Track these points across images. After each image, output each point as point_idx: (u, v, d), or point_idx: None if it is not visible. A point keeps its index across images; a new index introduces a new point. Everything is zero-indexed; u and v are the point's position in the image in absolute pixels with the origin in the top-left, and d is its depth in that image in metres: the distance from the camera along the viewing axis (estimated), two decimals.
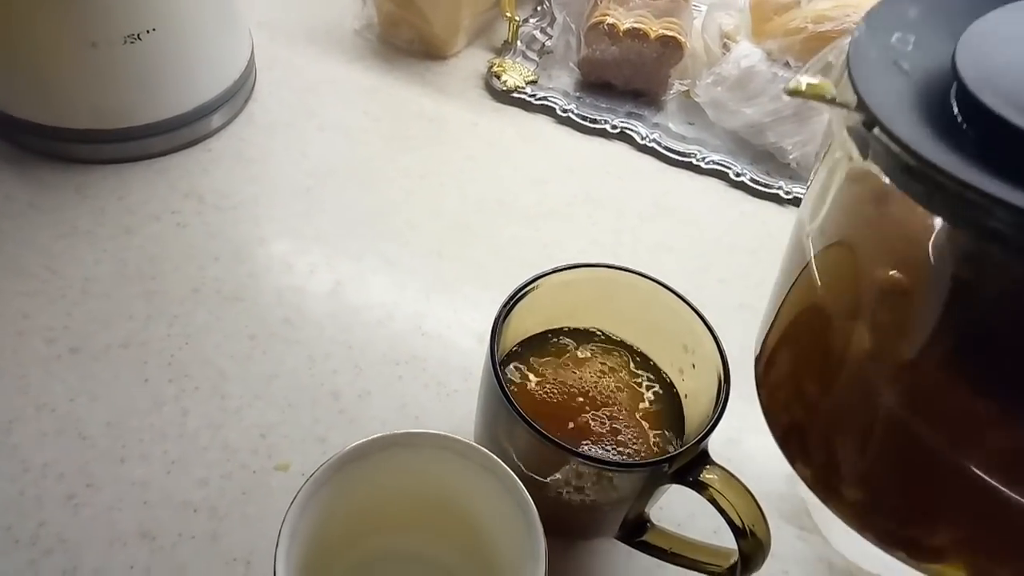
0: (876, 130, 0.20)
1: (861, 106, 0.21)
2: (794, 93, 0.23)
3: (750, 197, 0.55)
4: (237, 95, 0.51)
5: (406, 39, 0.60)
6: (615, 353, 0.35)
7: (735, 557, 0.28)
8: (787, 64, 0.56)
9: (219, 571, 0.33)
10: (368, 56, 0.59)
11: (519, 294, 0.32)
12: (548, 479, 0.30)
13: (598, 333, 0.36)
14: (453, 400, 0.40)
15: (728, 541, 0.30)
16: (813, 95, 0.22)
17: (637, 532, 0.33)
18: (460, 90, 0.58)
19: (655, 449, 0.32)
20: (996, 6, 0.22)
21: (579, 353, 0.35)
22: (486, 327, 0.43)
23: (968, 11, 0.22)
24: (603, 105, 0.59)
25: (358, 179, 0.50)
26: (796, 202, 0.55)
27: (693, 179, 0.56)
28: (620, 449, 0.32)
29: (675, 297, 0.32)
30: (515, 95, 0.58)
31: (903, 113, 0.20)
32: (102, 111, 0.45)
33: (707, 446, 0.28)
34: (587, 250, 0.49)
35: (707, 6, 0.62)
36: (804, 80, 0.23)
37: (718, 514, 0.28)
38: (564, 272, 0.32)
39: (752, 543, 0.27)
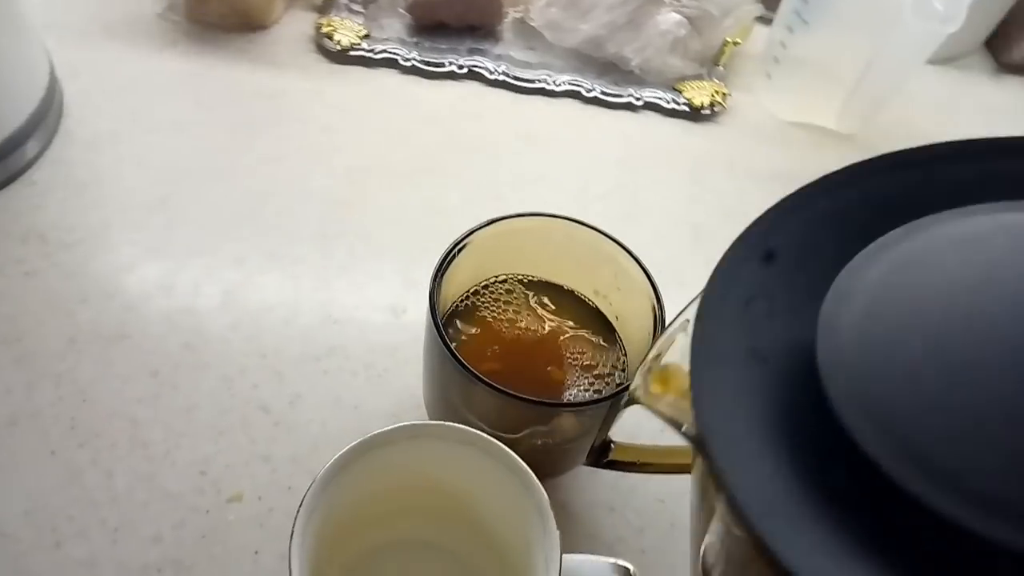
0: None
1: (699, 443, 0.16)
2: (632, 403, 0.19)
3: (606, 110, 0.57)
4: (47, 115, 0.46)
5: (218, 14, 0.55)
6: (544, 294, 0.35)
7: None
8: None
9: None
10: (180, 40, 0.54)
11: (448, 258, 0.31)
12: (518, 434, 0.30)
13: (523, 279, 0.36)
14: (386, 380, 0.39)
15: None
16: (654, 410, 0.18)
17: (603, 455, 0.34)
18: (292, 59, 0.55)
19: (605, 374, 0.33)
20: (873, 236, 0.17)
21: (509, 302, 0.35)
22: (394, 298, 0.42)
23: (852, 238, 0.17)
24: (443, 46, 0.58)
25: (213, 177, 0.46)
26: (648, 107, 0.57)
27: (549, 103, 0.56)
28: (574, 383, 0.33)
29: (590, 230, 0.33)
30: (352, 53, 0.55)
31: (751, 458, 0.15)
32: None
33: None
34: (470, 198, 0.49)
35: None
36: (641, 384, 0.18)
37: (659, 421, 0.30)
38: (489, 227, 0.32)
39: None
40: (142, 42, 0.53)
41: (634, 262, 0.32)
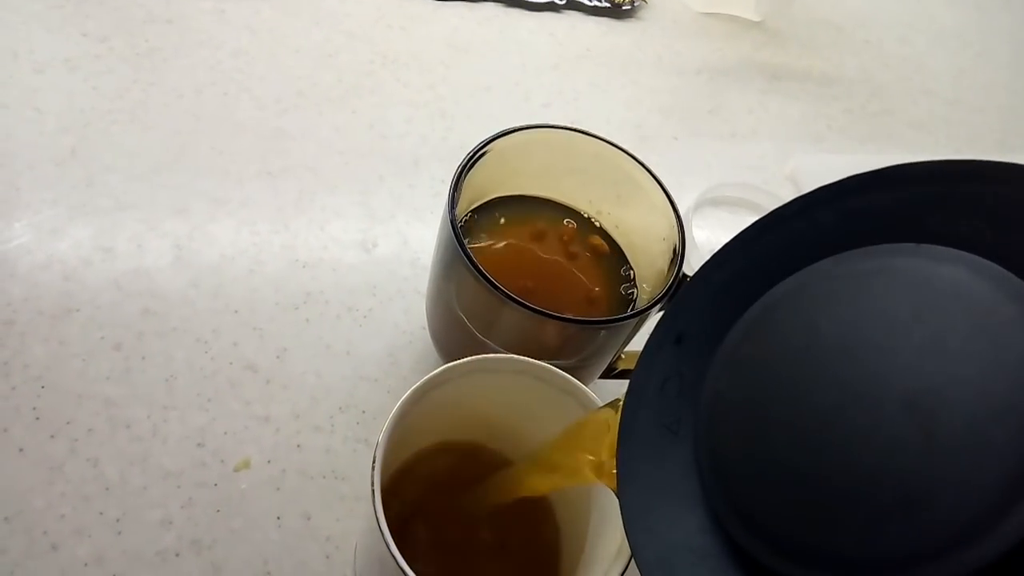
0: None
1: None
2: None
3: (529, 12, 0.55)
4: None
5: None
6: (541, 209, 0.34)
7: None
8: None
9: None
10: None
11: (460, 177, 0.29)
12: (547, 357, 0.30)
13: (518, 196, 0.34)
14: (372, 320, 0.37)
15: None
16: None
17: (612, 366, 0.34)
18: None
19: (618, 286, 0.33)
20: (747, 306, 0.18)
21: (508, 222, 0.34)
22: (360, 233, 0.40)
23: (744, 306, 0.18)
24: None
25: (124, 118, 0.41)
26: (571, 6, 0.55)
27: (470, 9, 0.53)
28: (580, 301, 0.32)
29: (588, 137, 0.32)
30: None
31: (656, 521, 0.18)
32: None
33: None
34: (413, 116, 0.46)
35: None
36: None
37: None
38: (496, 143, 0.30)
39: None
40: None
41: (642, 168, 0.32)
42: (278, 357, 0.35)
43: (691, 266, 0.43)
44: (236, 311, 0.36)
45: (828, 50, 0.61)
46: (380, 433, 0.23)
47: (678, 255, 0.30)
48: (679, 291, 0.22)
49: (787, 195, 0.48)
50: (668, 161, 0.49)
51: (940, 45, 0.66)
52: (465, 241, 0.28)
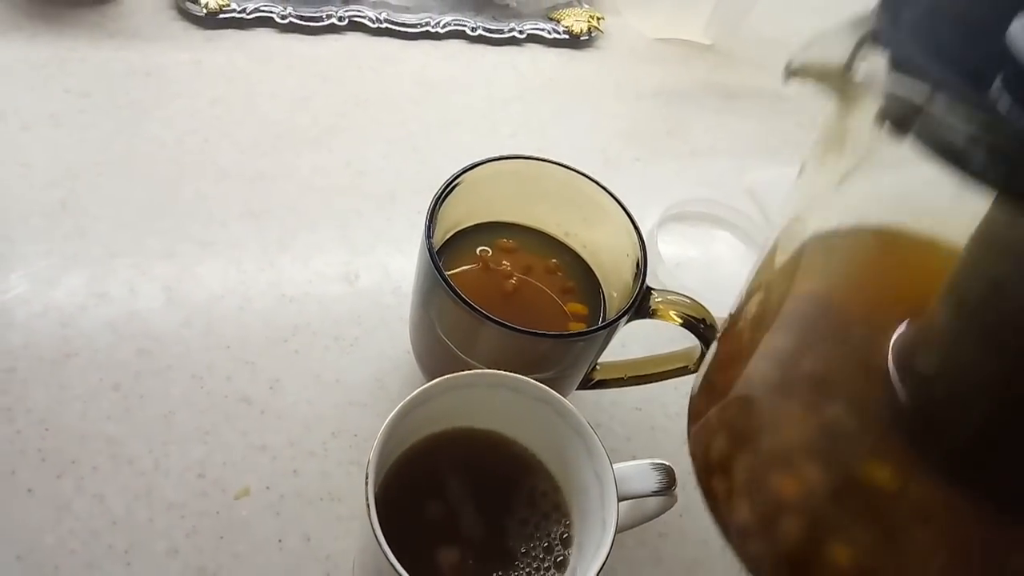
0: (926, 101, 0.18)
1: (904, 71, 0.18)
2: (798, 73, 0.21)
3: (492, 47, 0.57)
4: None
5: None
6: (513, 234, 0.37)
7: (698, 350, 0.33)
8: None
9: None
10: (22, 22, 0.48)
11: (436, 204, 0.31)
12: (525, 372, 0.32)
13: (492, 224, 0.37)
14: (358, 348, 0.39)
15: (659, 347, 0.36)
16: (820, 73, 0.21)
17: (589, 378, 0.37)
18: (157, 29, 0.50)
19: (577, 310, 0.35)
20: None
21: (481, 246, 0.36)
22: (343, 266, 0.42)
23: None
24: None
25: (109, 169, 0.43)
26: (531, 39, 0.58)
27: (436, 47, 0.56)
28: (553, 315, 0.35)
29: (547, 164, 0.34)
30: (222, 16, 0.52)
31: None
32: None
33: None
34: (388, 152, 0.48)
35: None
36: (806, 57, 0.21)
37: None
38: (470, 173, 0.33)
39: (709, 330, 0.32)
40: None
41: (599, 189, 0.34)
42: (271, 388, 0.37)
43: (657, 279, 0.45)
44: (228, 347, 0.38)
45: (778, 68, 0.65)
46: (370, 452, 0.24)
47: (641, 269, 0.32)
48: None
49: (747, 208, 0.51)
50: (632, 182, 0.51)
51: None
52: (443, 267, 0.30)
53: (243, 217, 0.43)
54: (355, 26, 0.54)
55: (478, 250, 0.36)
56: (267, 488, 0.34)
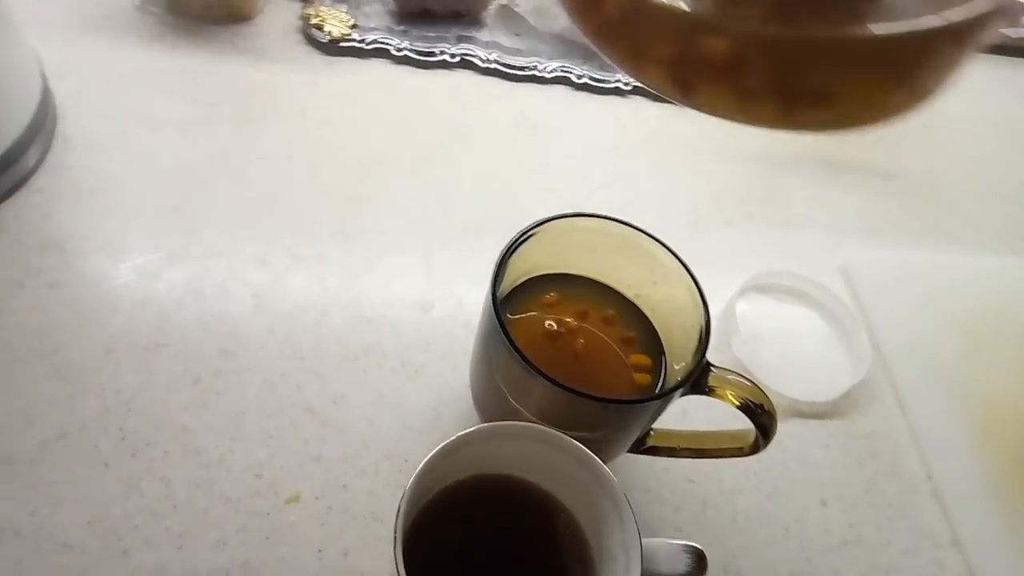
0: None
1: None
2: None
3: (596, 96, 0.58)
4: (44, 119, 0.45)
5: (200, 6, 0.54)
6: (584, 290, 0.37)
7: (753, 434, 0.33)
8: None
9: None
10: (166, 34, 0.53)
11: (505, 256, 0.32)
12: (576, 431, 0.32)
13: (563, 275, 0.37)
14: (423, 375, 0.41)
15: (721, 425, 0.35)
16: None
17: (642, 442, 0.36)
18: (282, 51, 0.54)
19: (643, 375, 0.35)
20: None
21: (551, 298, 0.37)
22: (421, 294, 0.44)
23: None
24: (431, 34, 0.58)
25: (223, 176, 0.46)
26: (636, 91, 0.59)
27: (541, 91, 0.57)
28: (616, 381, 0.35)
29: (624, 226, 0.35)
30: (343, 44, 0.55)
31: None
32: None
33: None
34: (479, 188, 0.50)
35: None
36: None
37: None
38: (545, 226, 0.33)
39: (766, 417, 0.32)
40: (126, 37, 0.52)
41: (672, 257, 0.34)
42: (335, 403, 0.39)
43: (730, 349, 0.45)
44: (303, 357, 0.40)
45: (891, 145, 0.63)
46: (407, 484, 0.25)
47: (703, 343, 0.32)
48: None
49: (837, 287, 0.50)
50: (719, 246, 0.51)
51: (1012, 144, 0.67)
52: (510, 312, 0.31)
53: (334, 235, 0.45)
54: (466, 64, 0.57)
55: (546, 298, 0.37)
56: (316, 498, 0.36)
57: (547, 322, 0.36)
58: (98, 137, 0.46)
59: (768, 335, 0.47)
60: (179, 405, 0.37)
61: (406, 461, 0.37)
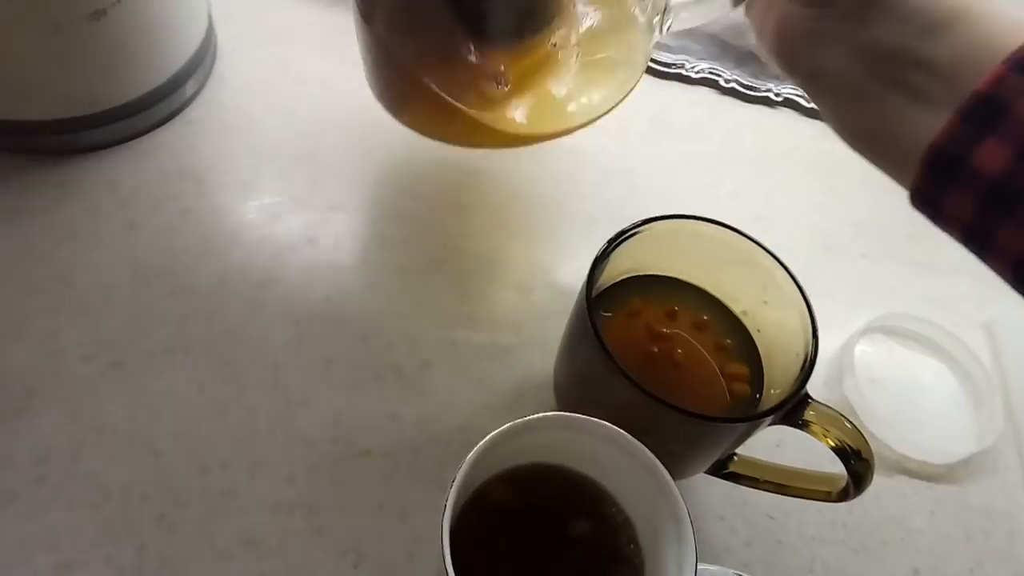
0: None
1: None
2: None
3: (742, 103, 0.56)
4: (205, 57, 0.47)
5: None
6: (687, 297, 0.36)
7: (844, 480, 0.30)
8: None
9: (332, 565, 0.33)
10: None
11: (606, 251, 0.32)
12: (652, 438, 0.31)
13: (668, 279, 0.36)
14: (510, 356, 0.40)
15: (817, 464, 0.33)
16: None
17: (724, 465, 0.34)
18: None
19: (740, 391, 0.33)
20: None
21: (652, 302, 0.35)
22: (524, 277, 0.43)
23: None
24: None
25: (356, 135, 0.48)
26: (787, 104, 0.56)
27: (685, 91, 0.55)
28: (705, 396, 0.33)
29: (743, 238, 0.33)
30: None
31: None
32: (73, 98, 0.41)
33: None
34: (601, 180, 0.49)
35: None
36: None
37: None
38: (654, 224, 0.32)
39: (862, 465, 0.29)
40: None
41: (789, 278, 0.32)
42: (420, 367, 0.39)
43: (841, 388, 0.42)
44: (399, 318, 0.40)
45: None
46: (468, 456, 0.25)
47: (805, 371, 0.30)
48: None
49: (976, 344, 0.45)
50: (849, 276, 0.48)
51: None
52: (605, 308, 0.30)
53: (448, 208, 0.45)
54: None
55: (645, 299, 0.35)
56: (386, 455, 0.36)
57: (641, 324, 0.35)
58: (248, 81, 0.49)
59: (886, 382, 0.43)
60: (277, 343, 0.39)
61: (479, 437, 0.37)
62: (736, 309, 0.36)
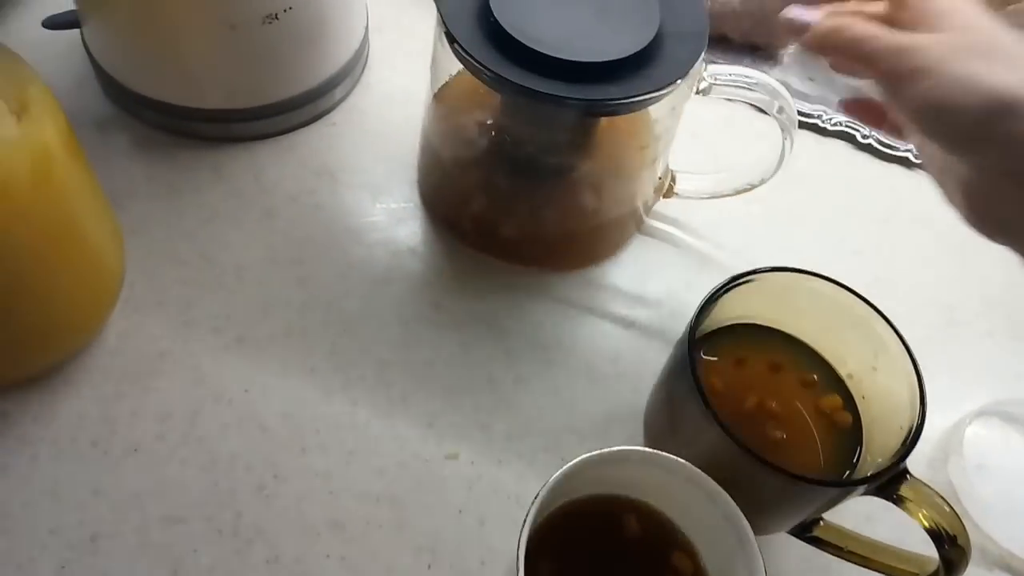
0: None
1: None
2: None
3: (877, 160, 0.54)
4: (356, 64, 0.51)
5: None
6: (792, 352, 0.35)
7: (935, 564, 0.29)
8: None
9: (408, 559, 0.35)
10: None
11: (718, 293, 0.32)
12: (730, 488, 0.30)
13: (775, 331, 0.36)
14: (604, 385, 0.41)
15: (909, 545, 0.31)
16: None
17: (808, 528, 0.34)
18: None
19: (832, 456, 0.32)
20: None
21: (756, 352, 0.35)
22: (626, 309, 0.43)
23: None
24: (719, 61, 0.57)
25: None
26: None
27: (819, 142, 0.54)
28: (799, 454, 0.32)
29: (860, 301, 0.32)
30: None
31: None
32: (237, 91, 0.45)
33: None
34: (719, 222, 0.48)
35: None
36: None
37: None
38: (763, 274, 0.32)
39: (956, 551, 0.28)
40: None
41: (903, 348, 0.31)
42: (515, 381, 0.40)
43: (946, 469, 0.40)
44: (500, 330, 0.42)
45: None
46: (552, 476, 0.26)
47: (907, 446, 0.29)
48: None
49: None
50: (969, 355, 0.45)
51: None
52: (706, 351, 0.30)
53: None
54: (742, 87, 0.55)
55: (750, 348, 0.35)
56: (472, 462, 0.37)
57: (742, 372, 0.35)
58: (392, 90, 0.51)
59: (997, 470, 0.41)
60: (385, 340, 0.41)
61: (562, 459, 0.37)
62: (842, 371, 0.35)
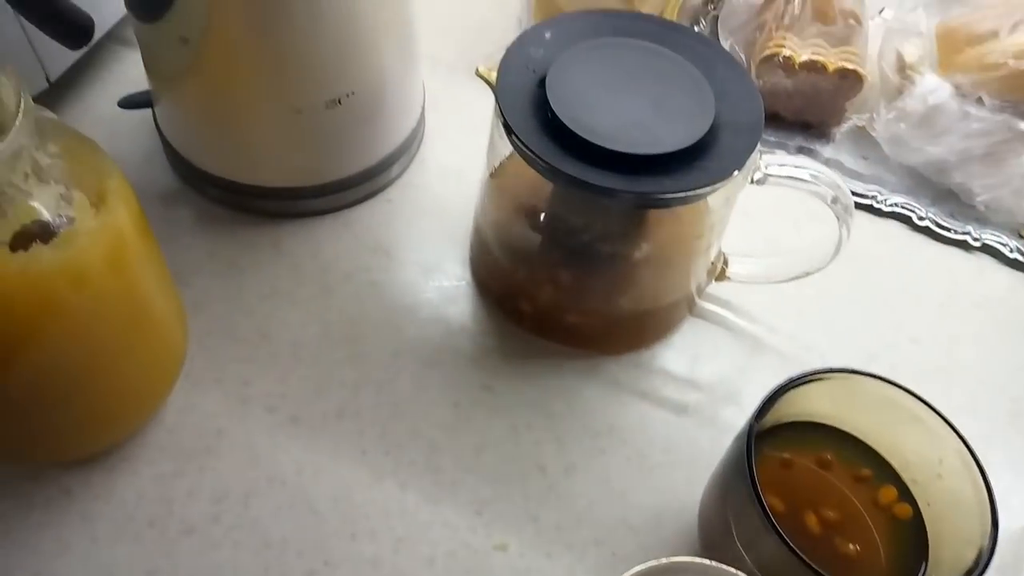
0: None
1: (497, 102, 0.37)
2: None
3: (934, 242, 0.53)
4: (413, 142, 0.52)
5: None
6: (854, 454, 0.34)
7: None
8: (980, 100, 0.53)
9: None
10: None
11: (776, 395, 0.31)
12: None
13: (837, 431, 0.35)
14: (656, 474, 0.40)
15: None
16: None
17: None
18: None
19: (899, 568, 0.31)
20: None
21: (816, 452, 0.34)
22: (679, 393, 0.43)
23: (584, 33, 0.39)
24: (771, 139, 0.57)
25: None
26: (985, 250, 0.53)
27: (873, 222, 0.54)
28: (864, 564, 0.31)
29: (924, 406, 0.31)
30: None
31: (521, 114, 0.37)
32: (300, 170, 0.46)
33: None
34: (773, 305, 0.48)
35: (884, 30, 0.59)
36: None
37: None
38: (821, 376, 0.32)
39: None
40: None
41: (964, 447, 0.30)
42: (565, 470, 0.40)
43: None
44: (551, 416, 0.41)
45: None
46: None
47: (978, 566, 0.28)
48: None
49: None
50: None
51: None
52: (767, 448, 0.29)
53: None
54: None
55: (812, 450, 0.34)
56: (521, 555, 0.37)
57: (804, 475, 0.34)
58: (446, 168, 0.52)
59: None
60: (435, 422, 0.41)
61: (613, 554, 0.37)
62: (906, 476, 0.34)
